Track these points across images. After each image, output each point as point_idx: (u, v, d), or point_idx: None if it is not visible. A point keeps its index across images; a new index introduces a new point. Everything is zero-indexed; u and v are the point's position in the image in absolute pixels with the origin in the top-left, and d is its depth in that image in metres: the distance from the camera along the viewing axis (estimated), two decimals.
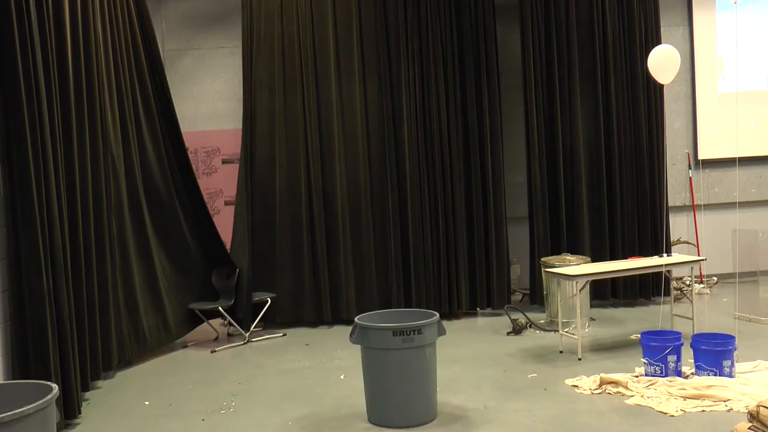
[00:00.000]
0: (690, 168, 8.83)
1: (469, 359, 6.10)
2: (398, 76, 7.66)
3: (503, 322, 7.22)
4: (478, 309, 7.85)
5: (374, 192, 7.71)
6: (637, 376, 5.25)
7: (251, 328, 7.16)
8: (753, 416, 3.91)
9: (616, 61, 7.93)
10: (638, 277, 7.74)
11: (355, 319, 4.76)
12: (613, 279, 7.68)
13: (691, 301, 6.53)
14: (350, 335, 4.70)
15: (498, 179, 7.79)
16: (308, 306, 7.62)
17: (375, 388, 4.67)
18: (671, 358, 5.16)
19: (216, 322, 7.43)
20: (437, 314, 4.71)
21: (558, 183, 7.89)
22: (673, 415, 4.55)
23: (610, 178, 7.96)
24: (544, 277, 7.29)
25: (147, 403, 5.37)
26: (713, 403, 4.68)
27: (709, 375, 5.08)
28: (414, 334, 4.49)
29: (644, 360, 5.26)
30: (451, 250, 7.73)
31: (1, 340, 4.55)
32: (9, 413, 3.16)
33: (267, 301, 7.27)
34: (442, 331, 4.70)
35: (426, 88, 7.71)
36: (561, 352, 6.16)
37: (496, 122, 7.78)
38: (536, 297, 7.86)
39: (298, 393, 5.44)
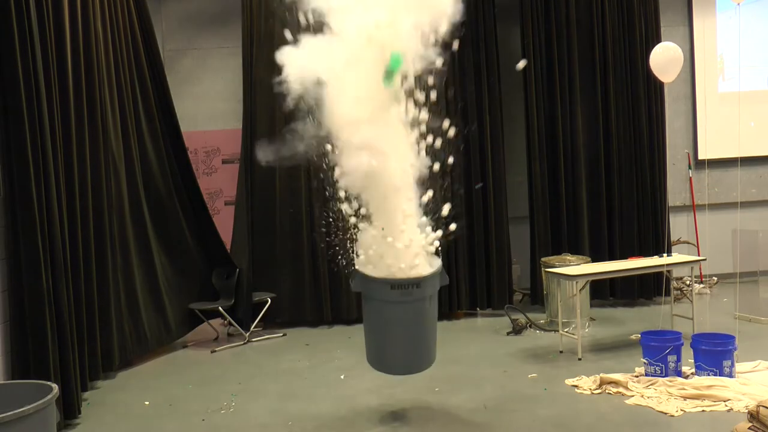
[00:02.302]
0: (690, 168, 8.83)
1: (469, 359, 6.09)
2: None
3: (503, 322, 7.21)
4: (478, 309, 7.85)
5: None
6: (637, 376, 5.24)
7: (251, 328, 7.16)
8: (753, 416, 3.91)
9: (617, 61, 7.92)
10: (638, 277, 7.71)
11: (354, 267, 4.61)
12: (613, 279, 7.68)
13: (691, 301, 6.53)
14: (350, 280, 4.58)
15: (498, 179, 7.78)
16: (308, 306, 7.61)
17: (373, 335, 4.62)
18: (671, 358, 5.16)
19: (216, 322, 7.42)
20: (440, 261, 4.60)
21: (558, 183, 7.88)
22: (673, 415, 4.55)
23: (610, 177, 7.95)
24: (544, 277, 7.29)
25: (147, 403, 5.37)
26: (713, 403, 4.68)
27: (709, 375, 5.07)
28: (412, 288, 4.39)
29: (644, 360, 5.26)
30: (451, 250, 7.72)
31: (1, 340, 4.55)
32: (9, 413, 3.16)
33: (267, 301, 7.27)
34: (444, 280, 4.60)
35: None
36: (561, 352, 6.16)
37: (496, 122, 7.78)
38: (536, 297, 7.85)
39: (298, 393, 5.43)
